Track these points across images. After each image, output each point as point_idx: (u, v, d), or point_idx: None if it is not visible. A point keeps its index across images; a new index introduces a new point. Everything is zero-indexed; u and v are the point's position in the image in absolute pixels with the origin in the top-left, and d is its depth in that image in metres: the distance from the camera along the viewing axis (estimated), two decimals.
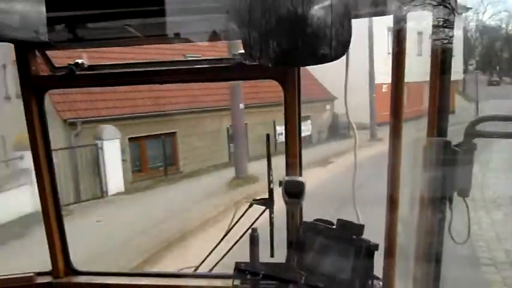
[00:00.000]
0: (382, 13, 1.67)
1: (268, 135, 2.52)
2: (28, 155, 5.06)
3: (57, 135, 11.47)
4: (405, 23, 1.72)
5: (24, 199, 9.59)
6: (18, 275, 2.55)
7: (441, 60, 1.76)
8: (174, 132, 15.69)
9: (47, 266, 2.52)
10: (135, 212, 10.61)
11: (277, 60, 1.79)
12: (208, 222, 8.85)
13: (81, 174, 12.57)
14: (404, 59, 1.85)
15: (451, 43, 1.75)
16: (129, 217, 10.18)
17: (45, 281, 2.55)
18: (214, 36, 2.01)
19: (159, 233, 8.60)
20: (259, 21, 1.67)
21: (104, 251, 7.61)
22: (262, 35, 1.72)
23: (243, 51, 2.06)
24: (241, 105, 13.83)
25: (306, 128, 18.92)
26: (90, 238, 8.07)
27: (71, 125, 12.98)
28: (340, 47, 1.70)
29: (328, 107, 21.62)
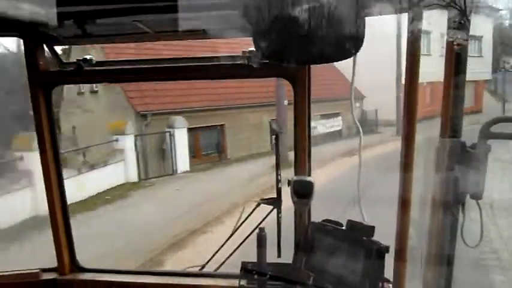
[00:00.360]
0: (396, 12, 1.64)
1: (277, 135, 2.50)
2: (121, 139, 11.69)
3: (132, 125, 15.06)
4: (420, 22, 1.69)
5: (120, 172, 13.76)
6: (24, 271, 2.54)
7: (455, 60, 1.72)
8: (223, 125, 18.36)
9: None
10: (200, 185, 13.74)
11: (287, 58, 1.77)
12: (255, 196, 10.22)
13: (154, 156, 15.76)
14: (418, 59, 1.81)
15: (466, 44, 1.72)
16: (197, 188, 13.23)
17: (51, 277, 2.54)
18: (224, 33, 1.98)
19: (220, 201, 10.76)
20: (270, 19, 1.65)
21: (187, 210, 10.61)
22: (273, 33, 1.69)
23: (253, 49, 2.06)
24: (285, 102, 15.87)
25: (337, 124, 21.31)
26: (174, 201, 11.78)
27: (142, 117, 15.89)
28: (353, 46, 1.68)
29: (357, 104, 22.98)
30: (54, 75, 2.40)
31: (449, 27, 1.71)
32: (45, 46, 2.34)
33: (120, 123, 14.26)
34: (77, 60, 2.34)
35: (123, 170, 13.84)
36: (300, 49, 1.71)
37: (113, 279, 2.53)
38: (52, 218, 2.49)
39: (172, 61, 2.34)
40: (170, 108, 16.55)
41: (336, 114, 20.84)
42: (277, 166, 2.36)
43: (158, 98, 16.31)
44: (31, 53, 2.31)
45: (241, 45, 2.10)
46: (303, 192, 2.20)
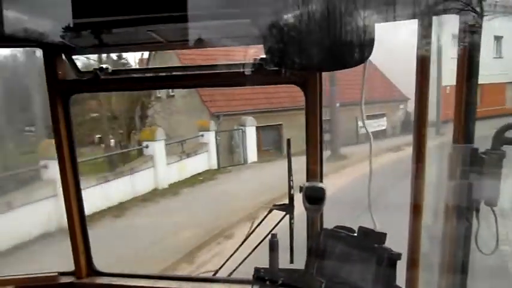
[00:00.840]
0: (408, 17, 1.64)
1: (289, 140, 2.50)
2: (205, 134, 17.14)
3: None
4: (431, 28, 1.69)
5: (205, 160, 17.35)
6: (42, 274, 2.61)
7: (468, 65, 1.71)
8: (281, 124, 21.09)
9: None
10: (266, 171, 15.84)
11: (298, 65, 1.78)
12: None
13: (225, 150, 19.07)
14: (428, 65, 1.81)
15: (479, 48, 1.70)
16: (265, 173, 15.27)
17: (68, 280, 2.60)
18: (236, 41, 2.02)
19: (284, 181, 12.10)
20: (280, 27, 1.67)
21: (264, 189, 12.29)
22: (284, 40, 1.71)
23: (264, 56, 2.08)
24: (338, 104, 18.41)
25: (382, 124, 23.51)
26: (250, 184, 14.48)
27: (216, 117, 19.37)
28: (363, 52, 1.68)
29: (401, 106, 26.03)
30: (72, 84, 2.47)
31: (460, 33, 1.70)
32: (63, 56, 2.42)
33: (205, 122, 18.07)
34: (94, 69, 2.41)
35: (206, 159, 17.61)
36: (310, 56, 1.72)
37: (128, 284, 2.57)
38: (69, 222, 2.55)
39: (185, 69, 2.39)
40: (238, 110, 19.95)
41: (382, 115, 23.14)
42: (289, 172, 2.37)
43: (228, 101, 19.77)
44: (50, 62, 2.39)
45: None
46: (315, 198, 2.20)
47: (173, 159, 15.55)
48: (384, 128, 23.31)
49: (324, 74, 2.30)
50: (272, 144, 21.21)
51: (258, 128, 19.98)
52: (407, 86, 17.80)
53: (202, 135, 17.59)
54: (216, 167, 17.73)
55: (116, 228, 10.70)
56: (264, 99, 20.72)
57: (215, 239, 9.84)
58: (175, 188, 14.63)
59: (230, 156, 19.13)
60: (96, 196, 11.01)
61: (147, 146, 14.91)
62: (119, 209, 12.05)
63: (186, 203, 12.92)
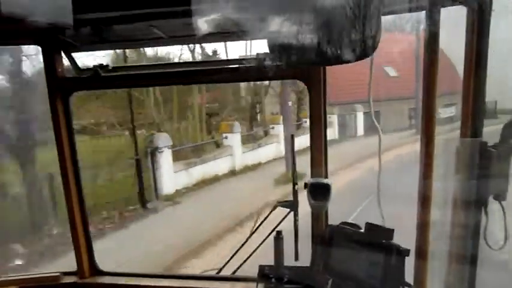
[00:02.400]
0: (415, 9, 1.61)
1: (292, 136, 2.48)
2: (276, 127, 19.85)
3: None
4: (439, 19, 1.66)
5: (272, 151, 18.91)
6: (45, 274, 2.59)
7: (476, 58, 1.68)
8: (378, 111, 23.57)
9: None
10: (369, 141, 17.52)
11: (302, 60, 1.75)
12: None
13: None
14: (437, 58, 1.77)
15: (487, 41, 1.67)
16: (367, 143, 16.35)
17: (71, 280, 2.58)
18: (238, 36, 1.98)
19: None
20: (283, 21, 1.63)
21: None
22: (288, 35, 1.68)
23: (267, 51, 2.05)
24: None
25: (452, 111, 23.91)
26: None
27: (332, 106, 22.10)
28: (369, 46, 1.65)
29: None
30: (72, 81, 2.44)
31: (468, 25, 1.67)
32: (62, 53, 2.38)
33: (276, 117, 20.32)
34: (94, 66, 2.37)
35: (275, 149, 19.41)
36: (314, 51, 1.69)
37: (131, 283, 2.55)
38: (71, 222, 2.53)
39: (187, 65, 2.36)
40: (343, 99, 22.69)
41: (452, 104, 24.14)
42: (294, 167, 2.34)
43: (338, 91, 22.66)
44: (49, 60, 2.35)
45: None
46: (319, 194, 2.18)
47: (248, 148, 18.11)
48: (453, 114, 26.45)
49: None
50: (372, 126, 25.21)
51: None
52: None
53: (272, 128, 20.25)
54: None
55: (206, 193, 13.94)
56: (364, 90, 24.08)
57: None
58: (243, 171, 16.82)
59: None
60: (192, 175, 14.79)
61: (226, 137, 17.22)
62: (208, 182, 15.00)
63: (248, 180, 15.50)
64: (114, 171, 13.26)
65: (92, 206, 10.26)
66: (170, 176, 13.56)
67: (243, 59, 2.24)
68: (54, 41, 2.27)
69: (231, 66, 2.28)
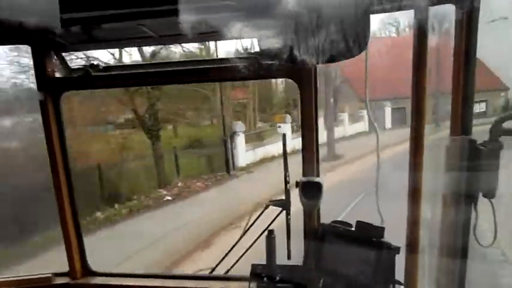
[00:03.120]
0: (404, 8, 1.61)
1: (284, 135, 2.48)
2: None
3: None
4: (427, 18, 1.66)
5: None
6: (36, 276, 2.57)
7: (465, 57, 1.69)
8: (404, 107, 24.28)
9: None
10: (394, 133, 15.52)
11: (292, 58, 1.75)
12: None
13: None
14: (425, 56, 1.78)
15: (476, 39, 1.68)
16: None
17: (63, 281, 2.56)
18: (229, 36, 1.97)
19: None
20: (275, 20, 1.64)
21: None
22: (278, 34, 1.68)
23: (258, 50, 2.04)
24: None
25: (482, 107, 26.93)
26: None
27: (362, 101, 21.66)
28: (358, 44, 1.66)
29: (502, 94, 30.14)
30: (62, 81, 2.42)
31: (457, 23, 1.68)
32: (52, 53, 2.36)
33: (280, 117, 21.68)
34: (84, 65, 2.36)
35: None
36: (304, 49, 1.69)
37: (124, 283, 2.54)
38: (63, 223, 2.51)
39: (179, 64, 2.34)
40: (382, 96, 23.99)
41: (483, 101, 27.13)
42: (285, 166, 2.34)
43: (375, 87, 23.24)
44: (39, 60, 2.33)
45: None
46: (311, 193, 2.18)
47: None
48: (483, 110, 27.44)
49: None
50: (399, 120, 25.37)
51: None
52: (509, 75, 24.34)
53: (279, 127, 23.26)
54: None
55: (269, 166, 17.19)
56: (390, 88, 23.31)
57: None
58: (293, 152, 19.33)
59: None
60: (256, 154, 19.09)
61: (279, 127, 20.10)
62: (268, 160, 18.35)
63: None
64: (205, 151, 18.19)
65: (197, 173, 16.41)
66: (243, 153, 18.78)
67: (236, 58, 2.24)
68: (44, 40, 2.26)
69: (223, 65, 2.27)
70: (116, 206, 12.72)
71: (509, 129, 1.77)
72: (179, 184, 15.53)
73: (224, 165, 17.57)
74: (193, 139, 19.07)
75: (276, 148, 19.06)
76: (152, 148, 16.02)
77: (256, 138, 21.06)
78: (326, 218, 2.20)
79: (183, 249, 9.53)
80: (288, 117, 20.52)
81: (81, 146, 12.48)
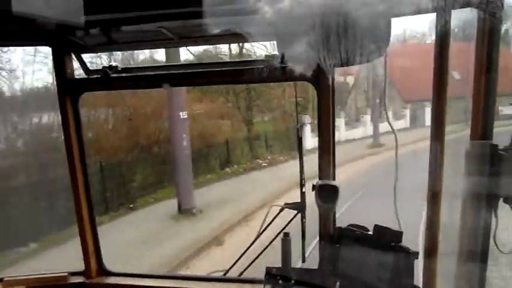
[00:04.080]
0: (426, 11, 1.60)
1: (300, 139, 2.48)
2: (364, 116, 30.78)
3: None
4: (449, 21, 1.65)
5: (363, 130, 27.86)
6: (52, 274, 2.59)
7: (487, 59, 1.67)
8: None
9: None
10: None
11: (310, 61, 1.75)
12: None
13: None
14: (447, 59, 1.77)
15: (498, 43, 1.67)
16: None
17: (78, 280, 2.58)
18: (249, 38, 1.98)
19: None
20: (293, 24, 1.64)
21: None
22: (297, 37, 1.68)
23: (277, 53, 2.05)
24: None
25: None
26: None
27: (406, 102, 29.48)
28: (379, 47, 1.65)
29: None
30: (81, 82, 2.45)
31: (479, 27, 1.66)
32: (72, 54, 2.40)
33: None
34: (103, 67, 2.39)
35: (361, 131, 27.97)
36: (324, 52, 1.69)
37: (138, 283, 2.55)
38: (79, 223, 2.54)
39: (196, 66, 2.36)
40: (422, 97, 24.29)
41: None
42: (301, 169, 2.34)
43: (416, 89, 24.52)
44: (59, 60, 2.37)
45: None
46: (327, 196, 2.17)
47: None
48: None
49: None
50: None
51: None
52: None
53: (362, 117, 29.02)
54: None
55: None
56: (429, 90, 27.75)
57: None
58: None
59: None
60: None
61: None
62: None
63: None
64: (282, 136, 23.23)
65: (279, 151, 22.29)
66: (309, 138, 21.00)
67: (253, 61, 2.25)
68: (63, 41, 2.29)
69: (241, 67, 2.28)
70: (235, 166, 20.43)
71: None
72: (269, 157, 22.07)
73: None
74: (271, 128, 24.74)
75: (336, 135, 24.63)
76: (247, 132, 23.03)
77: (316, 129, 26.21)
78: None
79: (285, 186, 12.85)
80: (307, 118, 21.88)
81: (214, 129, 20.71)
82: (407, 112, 30.40)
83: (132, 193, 15.66)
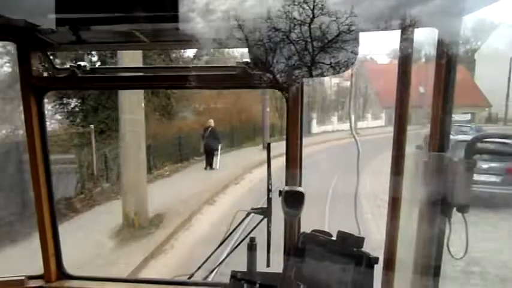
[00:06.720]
0: (389, 28, 1.69)
1: (269, 144, 2.52)
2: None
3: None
4: (412, 38, 1.75)
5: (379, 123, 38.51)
6: (10, 278, 2.50)
7: (445, 74, 1.79)
8: None
9: None
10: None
11: (280, 70, 1.80)
12: None
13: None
14: (409, 74, 1.87)
15: (456, 60, 1.78)
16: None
17: (37, 285, 2.50)
18: (221, 44, 2.01)
19: None
20: (265, 32, 1.68)
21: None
22: (268, 45, 1.73)
23: (248, 60, 2.08)
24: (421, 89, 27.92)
25: (466, 117, 31.57)
26: None
27: (383, 107, 37.40)
28: (346, 61, 1.72)
29: (486, 109, 39.42)
30: (47, 80, 2.39)
31: (439, 45, 1.77)
32: (38, 51, 2.33)
33: None
34: (71, 66, 2.34)
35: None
36: (292, 62, 1.74)
37: (99, 287, 2.50)
38: (40, 224, 2.46)
39: (166, 70, 2.36)
40: (390, 103, 28.85)
41: (472, 113, 34.23)
42: (269, 175, 2.38)
43: (390, 97, 29.21)
44: (24, 57, 2.30)
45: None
46: (293, 202, 2.22)
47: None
48: (468, 119, 32.78)
49: None
50: None
51: None
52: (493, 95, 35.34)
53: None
54: None
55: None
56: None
57: None
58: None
59: None
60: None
61: None
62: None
63: None
64: None
65: None
66: (315, 127, 31.21)
67: (224, 67, 2.27)
68: (30, 38, 2.23)
69: (211, 73, 2.30)
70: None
71: (482, 148, 1.88)
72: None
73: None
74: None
75: (330, 127, 34.34)
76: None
77: (320, 122, 34.54)
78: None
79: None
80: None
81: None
82: (383, 115, 38.14)
83: None
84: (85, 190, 12.32)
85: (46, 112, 2.49)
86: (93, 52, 15.62)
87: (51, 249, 2.50)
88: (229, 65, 2.24)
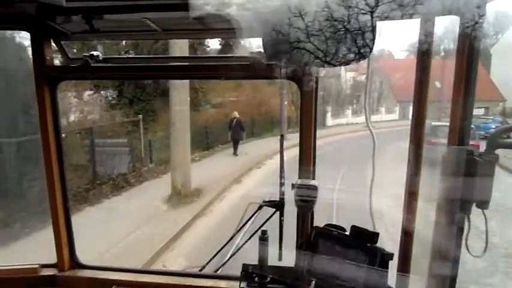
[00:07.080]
0: (409, 16, 1.62)
1: (282, 136, 2.48)
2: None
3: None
4: (432, 32, 1.68)
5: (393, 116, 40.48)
6: (23, 266, 2.53)
7: (466, 65, 1.71)
8: None
9: None
10: None
11: (294, 61, 1.75)
12: None
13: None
14: (429, 64, 1.80)
15: (478, 49, 1.70)
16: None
17: (50, 273, 2.53)
18: (234, 33, 1.97)
19: None
20: (279, 22, 1.64)
21: None
22: (282, 36, 1.68)
23: (261, 50, 2.04)
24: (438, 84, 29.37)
25: (480, 112, 32.71)
26: None
27: (397, 101, 38.42)
28: (362, 50, 1.67)
29: (500, 103, 38.84)
30: (61, 70, 2.39)
31: (460, 34, 1.70)
32: (52, 41, 2.33)
33: None
34: (84, 56, 2.33)
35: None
36: (307, 52, 1.69)
37: (112, 277, 2.51)
38: (53, 214, 2.48)
39: (180, 59, 2.33)
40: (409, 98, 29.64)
41: (486, 107, 34.63)
42: (281, 168, 2.34)
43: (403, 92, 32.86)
44: (38, 47, 2.30)
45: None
46: (306, 195, 2.18)
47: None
48: (482, 113, 33.35)
49: None
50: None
51: None
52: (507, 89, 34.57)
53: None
54: None
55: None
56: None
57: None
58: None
59: None
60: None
61: None
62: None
63: None
64: None
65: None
66: (329, 120, 32.83)
67: (237, 57, 2.23)
68: (43, 27, 2.22)
69: (225, 63, 2.26)
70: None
71: (505, 142, 1.80)
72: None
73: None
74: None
75: (344, 120, 35.89)
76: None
77: (335, 115, 36.19)
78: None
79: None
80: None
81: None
82: (397, 109, 39.48)
83: None
84: (136, 168, 15.31)
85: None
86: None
87: (65, 239, 2.52)
88: (243, 55, 2.19)
